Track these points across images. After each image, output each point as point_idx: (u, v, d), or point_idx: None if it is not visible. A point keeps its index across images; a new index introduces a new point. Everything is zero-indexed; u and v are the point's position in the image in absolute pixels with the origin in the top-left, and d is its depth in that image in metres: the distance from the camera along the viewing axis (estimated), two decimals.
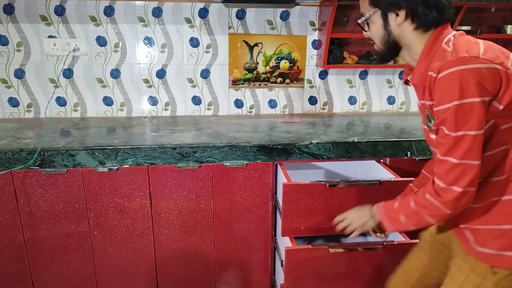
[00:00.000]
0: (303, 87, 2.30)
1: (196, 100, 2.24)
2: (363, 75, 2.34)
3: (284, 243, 1.62)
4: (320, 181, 1.53)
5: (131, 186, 1.67)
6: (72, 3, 1.98)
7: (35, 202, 1.63)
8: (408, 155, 1.78)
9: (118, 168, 1.63)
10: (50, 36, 2.02)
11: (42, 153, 1.55)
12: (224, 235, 1.81)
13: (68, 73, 2.09)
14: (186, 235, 1.78)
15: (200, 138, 1.75)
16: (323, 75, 2.30)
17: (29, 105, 2.11)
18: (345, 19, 2.19)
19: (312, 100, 2.34)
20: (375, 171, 1.82)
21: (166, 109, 2.23)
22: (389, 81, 2.37)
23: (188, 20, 2.09)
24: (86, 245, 1.73)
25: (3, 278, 1.72)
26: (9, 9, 1.95)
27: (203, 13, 2.09)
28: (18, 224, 1.65)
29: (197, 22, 2.10)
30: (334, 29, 2.09)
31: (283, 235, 1.56)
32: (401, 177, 1.61)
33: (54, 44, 2.03)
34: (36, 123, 2.01)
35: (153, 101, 2.20)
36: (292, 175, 1.98)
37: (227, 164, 1.69)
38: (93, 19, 2.02)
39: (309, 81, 2.30)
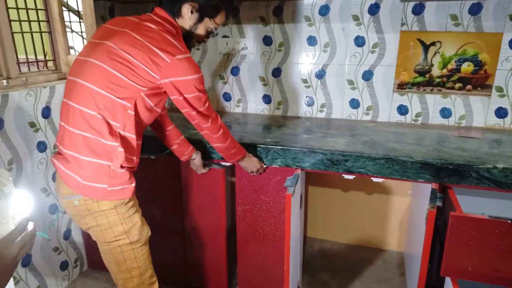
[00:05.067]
0: (490, 95, 1.88)
1: (354, 104, 2.08)
2: None
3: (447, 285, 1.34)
4: (504, 218, 1.19)
5: (277, 186, 1.66)
6: (246, 4, 2.09)
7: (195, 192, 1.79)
8: None
9: (267, 166, 1.64)
10: (224, 36, 2.19)
11: (203, 145, 1.68)
12: None
13: (235, 71, 2.24)
14: None
15: (353, 145, 1.60)
16: None
17: None
18: None
19: (501, 113, 1.89)
20: None
21: (321, 111, 2.15)
22: None
23: (356, 18, 1.95)
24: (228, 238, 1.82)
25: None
26: None
27: (374, 10, 1.91)
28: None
29: (366, 19, 1.94)
30: None
31: (444, 274, 1.29)
32: None
33: (227, 43, 2.20)
34: None
35: (310, 101, 2.16)
36: (462, 201, 1.64)
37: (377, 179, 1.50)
38: (262, 19, 2.09)
39: (499, 89, 1.86)
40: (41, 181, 1.81)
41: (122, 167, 1.23)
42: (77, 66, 1.24)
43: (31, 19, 1.85)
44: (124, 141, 1.22)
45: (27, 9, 1.83)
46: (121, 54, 1.18)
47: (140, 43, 1.19)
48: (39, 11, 1.88)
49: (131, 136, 1.24)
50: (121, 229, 1.27)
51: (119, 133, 1.21)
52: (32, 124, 1.74)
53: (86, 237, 2.08)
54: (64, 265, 1.99)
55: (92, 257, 2.13)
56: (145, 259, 1.35)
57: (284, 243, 1.71)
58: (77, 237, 2.06)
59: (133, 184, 1.27)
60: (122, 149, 1.21)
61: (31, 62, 1.89)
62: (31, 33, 1.86)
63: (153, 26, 1.24)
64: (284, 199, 1.64)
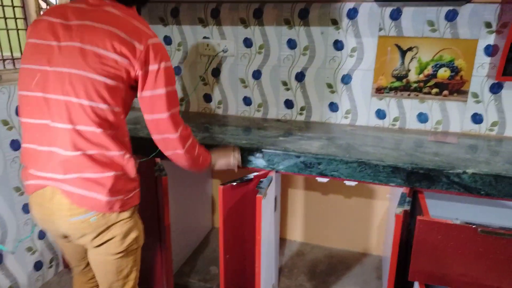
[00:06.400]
0: (466, 101, 1.90)
1: (333, 107, 2.09)
2: None
3: None
4: (469, 223, 1.20)
5: (252, 188, 1.65)
6: (226, 6, 2.09)
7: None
8: None
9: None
10: (204, 37, 2.19)
11: None
12: None
13: (216, 72, 2.23)
14: None
15: (327, 148, 1.61)
16: (495, 88, 1.84)
17: (181, 99, 2.34)
18: None
19: (476, 118, 1.91)
20: None
21: (301, 114, 2.16)
22: None
23: (335, 22, 1.96)
24: None
25: None
26: (175, 13, 2.19)
27: (352, 14, 1.92)
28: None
29: (344, 23, 1.95)
30: None
31: (411, 278, 1.30)
32: None
33: (207, 44, 2.19)
34: (185, 116, 2.21)
35: (289, 104, 2.16)
36: (432, 206, 1.66)
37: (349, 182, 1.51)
38: (243, 21, 2.09)
39: (475, 95, 1.88)
40: (13, 180, 1.78)
41: (130, 172, 1.18)
42: (42, 80, 1.07)
43: (7, 16, 1.83)
44: (126, 146, 1.18)
45: (3, 6, 1.81)
46: (96, 52, 1.05)
47: (110, 33, 1.05)
48: (15, 8, 1.86)
49: (127, 139, 1.20)
50: (133, 236, 1.23)
51: (121, 139, 1.15)
52: (5, 122, 1.71)
53: None
54: (38, 266, 1.97)
55: None
56: (140, 260, 1.33)
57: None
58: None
59: (139, 188, 1.25)
60: (128, 155, 1.17)
61: (7, 59, 1.87)
62: (7, 30, 1.84)
63: (114, 11, 1.11)
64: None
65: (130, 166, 1.17)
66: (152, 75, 1.12)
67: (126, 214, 1.18)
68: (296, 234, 2.43)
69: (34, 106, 1.09)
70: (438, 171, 1.41)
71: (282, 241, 2.41)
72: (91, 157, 1.09)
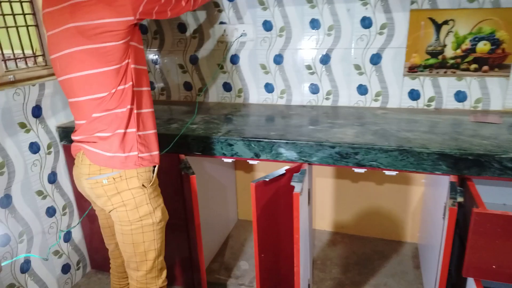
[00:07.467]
0: (508, 76, 1.75)
1: (362, 90, 1.96)
2: None
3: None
4: None
5: (285, 183, 1.56)
6: None
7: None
8: None
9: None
10: (221, 23, 2.07)
11: (204, 140, 1.58)
12: None
13: (234, 59, 2.11)
14: None
15: (363, 136, 1.49)
16: None
17: (199, 89, 2.24)
18: None
19: None
20: None
21: (327, 99, 2.03)
22: None
23: None
24: None
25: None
26: None
27: None
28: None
29: None
30: None
31: (466, 274, 1.20)
32: None
33: (224, 30, 2.07)
34: (204, 107, 2.11)
35: (314, 89, 2.04)
36: (480, 192, 1.54)
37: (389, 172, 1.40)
38: (261, 2, 1.96)
39: None
40: (36, 184, 1.72)
41: (145, 129, 1.23)
42: (63, 64, 1.18)
43: (15, 12, 1.74)
44: (138, 97, 1.20)
45: (10, 1, 1.72)
46: (90, 26, 1.10)
47: (89, 1, 1.09)
48: (23, 3, 1.77)
49: (144, 89, 1.23)
50: (146, 209, 1.25)
51: (133, 91, 1.18)
52: (23, 125, 1.64)
53: (88, 237, 2.01)
54: (66, 268, 1.93)
55: (95, 258, 2.06)
56: (162, 242, 1.34)
57: (293, 244, 1.62)
58: (78, 238, 1.99)
59: (157, 152, 1.28)
60: (146, 110, 1.23)
61: (19, 58, 1.79)
62: (17, 27, 1.75)
63: None
64: (291, 196, 1.54)
65: (141, 119, 1.22)
66: (146, 7, 1.15)
67: (137, 183, 1.22)
68: (325, 223, 2.34)
69: (65, 88, 1.22)
70: (490, 156, 1.28)
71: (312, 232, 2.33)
72: (105, 118, 1.17)
